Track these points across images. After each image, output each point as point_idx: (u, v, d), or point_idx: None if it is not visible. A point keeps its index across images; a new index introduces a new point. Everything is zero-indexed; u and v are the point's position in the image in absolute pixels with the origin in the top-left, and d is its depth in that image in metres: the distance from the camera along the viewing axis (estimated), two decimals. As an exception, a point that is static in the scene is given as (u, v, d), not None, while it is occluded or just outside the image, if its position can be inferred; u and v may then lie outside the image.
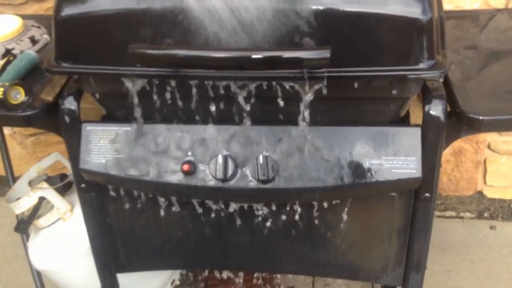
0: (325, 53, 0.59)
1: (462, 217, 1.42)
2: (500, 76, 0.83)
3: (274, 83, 0.66)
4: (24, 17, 0.97)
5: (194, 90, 0.69)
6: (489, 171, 1.31)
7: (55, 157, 1.05)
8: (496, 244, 1.34)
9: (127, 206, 0.85)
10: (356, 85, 0.65)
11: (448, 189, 1.36)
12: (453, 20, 0.98)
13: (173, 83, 0.69)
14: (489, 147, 1.28)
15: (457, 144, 1.26)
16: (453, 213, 1.42)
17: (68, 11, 0.66)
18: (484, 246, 1.33)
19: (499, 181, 1.33)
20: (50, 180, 1.02)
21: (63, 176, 1.03)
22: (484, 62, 0.87)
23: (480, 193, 1.37)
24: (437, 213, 1.42)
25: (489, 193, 1.36)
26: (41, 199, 0.99)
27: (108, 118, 0.80)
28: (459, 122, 0.69)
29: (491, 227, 1.39)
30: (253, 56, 0.60)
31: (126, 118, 0.78)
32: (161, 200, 0.82)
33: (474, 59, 0.88)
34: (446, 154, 1.28)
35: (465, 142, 1.26)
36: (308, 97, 0.67)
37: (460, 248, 1.32)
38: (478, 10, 1.01)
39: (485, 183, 1.34)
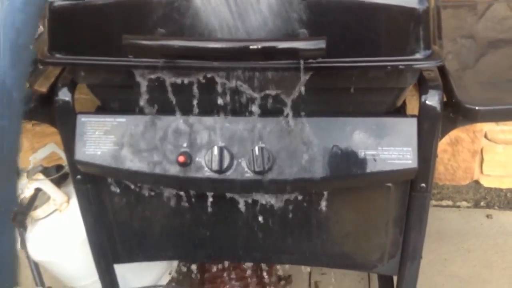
0: (321, 44, 0.59)
1: (458, 206, 1.42)
2: (497, 65, 0.82)
3: (269, 74, 0.66)
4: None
5: (189, 82, 0.68)
6: (485, 161, 1.32)
7: (51, 148, 1.05)
8: (492, 232, 1.35)
9: (123, 197, 0.85)
10: (352, 75, 0.65)
11: (445, 178, 1.36)
12: (450, 9, 0.97)
13: (167, 74, 0.68)
14: (485, 136, 1.28)
15: (454, 133, 1.26)
16: (450, 202, 1.42)
17: (61, 1, 0.66)
18: (480, 235, 1.34)
19: (496, 170, 1.33)
20: (46, 171, 1.02)
21: (59, 167, 1.03)
22: (482, 51, 0.86)
23: (476, 182, 1.37)
24: (433, 202, 1.42)
25: (486, 182, 1.37)
26: (37, 190, 0.99)
27: (103, 109, 0.80)
28: (455, 112, 0.69)
29: (487, 216, 1.39)
30: (249, 47, 0.59)
31: (121, 109, 0.77)
32: (157, 191, 0.82)
33: (472, 48, 0.87)
34: (443, 143, 1.28)
35: (462, 131, 1.26)
36: (304, 88, 0.66)
37: (456, 237, 1.33)
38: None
39: (481, 172, 1.35)
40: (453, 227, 1.36)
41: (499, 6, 0.97)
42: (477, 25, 0.95)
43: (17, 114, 0.71)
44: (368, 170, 0.71)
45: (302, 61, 0.62)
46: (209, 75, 0.67)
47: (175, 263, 1.19)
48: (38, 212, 1.00)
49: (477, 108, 0.67)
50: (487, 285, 1.21)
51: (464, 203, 1.42)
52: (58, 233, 1.00)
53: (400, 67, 0.64)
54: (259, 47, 0.60)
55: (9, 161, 0.72)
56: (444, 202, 1.42)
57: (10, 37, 0.66)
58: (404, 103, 0.79)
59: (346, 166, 0.71)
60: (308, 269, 1.23)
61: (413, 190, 0.76)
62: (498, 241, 1.32)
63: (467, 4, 0.98)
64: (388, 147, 0.71)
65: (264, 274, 1.13)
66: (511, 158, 1.30)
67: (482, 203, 1.41)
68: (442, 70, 0.73)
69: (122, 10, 0.65)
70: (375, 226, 0.83)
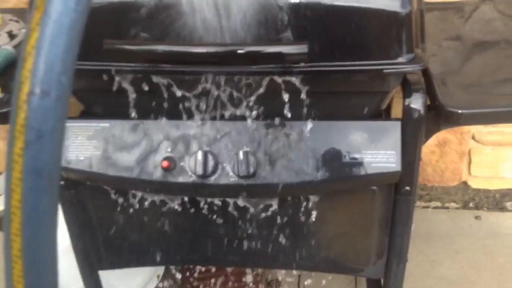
0: (303, 49, 0.58)
1: (447, 208, 1.43)
2: (483, 67, 0.82)
3: (252, 78, 0.65)
4: (2, 10, 0.95)
5: (171, 86, 0.68)
6: (473, 162, 1.32)
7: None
8: (481, 234, 1.35)
9: (107, 203, 0.84)
10: (334, 79, 0.65)
11: (433, 180, 1.36)
12: (437, 12, 0.97)
13: (150, 79, 0.68)
14: (473, 138, 1.28)
15: (441, 135, 1.26)
16: (438, 204, 1.43)
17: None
18: (469, 236, 1.34)
19: (484, 171, 1.34)
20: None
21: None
22: (468, 53, 0.86)
23: (465, 183, 1.38)
24: (422, 203, 1.43)
25: (474, 184, 1.37)
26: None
27: (87, 114, 0.79)
28: (438, 116, 0.69)
29: (476, 217, 1.40)
30: (230, 52, 0.59)
31: (104, 114, 0.76)
32: (142, 196, 0.81)
33: (458, 50, 0.88)
34: (431, 145, 1.28)
35: (449, 133, 1.26)
36: (288, 92, 0.66)
37: (445, 239, 1.33)
38: (463, 1, 1.00)
39: (469, 173, 1.35)
40: (442, 229, 1.37)
41: (486, 7, 0.97)
42: (464, 27, 0.95)
43: None
44: (352, 174, 0.71)
45: (283, 66, 0.62)
46: (192, 80, 0.67)
47: (162, 268, 1.18)
48: (22, 218, 0.99)
49: (459, 111, 0.67)
50: (475, 287, 1.21)
51: (453, 204, 1.42)
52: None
53: (384, 71, 0.63)
54: (242, 51, 0.60)
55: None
56: (433, 204, 1.43)
57: None
58: (389, 106, 0.78)
59: (330, 170, 0.71)
60: (298, 272, 1.23)
61: (398, 193, 0.76)
62: (487, 242, 1.32)
63: (454, 7, 0.98)
64: (372, 150, 0.71)
65: (252, 278, 1.13)
66: (499, 159, 1.31)
67: (470, 204, 1.41)
68: (426, 73, 0.73)
69: (104, 14, 0.64)
70: (360, 230, 0.83)
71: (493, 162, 1.31)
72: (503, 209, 1.40)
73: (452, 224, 1.38)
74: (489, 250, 1.30)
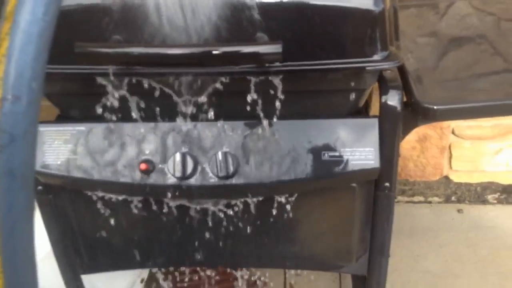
0: (277, 48, 0.58)
1: (430, 202, 1.44)
2: (459, 63, 0.83)
3: (228, 78, 0.65)
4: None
5: (147, 88, 0.67)
6: (454, 156, 1.34)
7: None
8: (463, 227, 1.37)
9: (86, 206, 0.83)
10: (309, 78, 0.65)
11: (415, 175, 1.38)
12: (413, 9, 0.98)
13: (124, 81, 0.67)
14: (453, 132, 1.29)
15: (421, 130, 1.27)
16: (422, 198, 1.44)
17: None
18: (451, 230, 1.36)
19: (464, 166, 1.36)
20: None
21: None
22: (444, 49, 0.87)
23: (446, 177, 1.39)
24: (405, 198, 1.44)
25: (455, 178, 1.39)
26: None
27: (63, 118, 0.78)
28: (415, 112, 0.69)
29: (458, 211, 1.41)
30: (201, 52, 0.58)
31: (80, 117, 0.75)
32: (121, 199, 0.80)
33: (435, 46, 0.88)
34: (411, 140, 1.29)
35: (429, 128, 1.27)
36: (264, 91, 0.66)
37: (428, 233, 1.35)
38: (438, -2, 1.01)
39: (450, 168, 1.37)
40: (425, 223, 1.38)
41: (461, 3, 0.98)
42: (439, 24, 0.96)
43: None
44: (331, 172, 0.71)
45: (257, 66, 0.62)
46: (166, 81, 0.66)
47: (146, 271, 1.17)
48: (2, 224, 0.97)
49: (435, 107, 0.67)
50: (459, 280, 1.23)
51: (436, 199, 1.43)
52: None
53: (358, 69, 0.64)
54: (217, 52, 0.59)
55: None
56: (416, 198, 1.44)
57: None
58: (367, 103, 0.79)
59: (309, 169, 0.71)
60: (283, 270, 1.23)
61: (378, 190, 0.76)
62: (469, 235, 1.34)
63: (429, 3, 0.99)
64: (350, 148, 0.71)
65: (238, 278, 1.13)
66: (479, 153, 1.33)
67: (453, 198, 1.43)
68: (402, 70, 0.73)
69: (75, 16, 0.63)
70: (342, 227, 0.83)
71: (473, 156, 1.33)
72: (484, 202, 1.42)
73: (435, 218, 1.40)
74: (472, 243, 1.32)
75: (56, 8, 0.33)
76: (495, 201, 1.42)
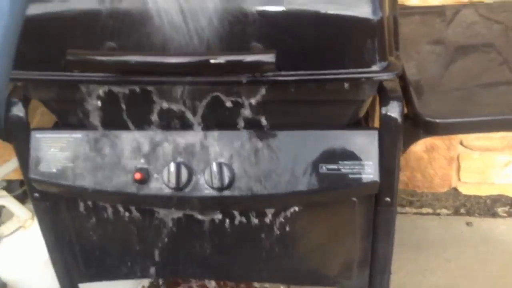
0: (270, 58, 0.57)
1: (438, 214, 1.41)
2: (464, 73, 0.80)
3: (224, 88, 0.64)
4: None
5: (142, 96, 0.66)
6: (462, 168, 1.30)
7: (14, 164, 1.02)
8: (472, 241, 1.32)
9: (83, 215, 0.82)
10: (306, 88, 0.63)
11: (423, 186, 1.34)
12: (418, 16, 0.96)
13: (119, 89, 0.66)
14: (461, 143, 1.26)
15: (429, 140, 1.24)
16: (430, 210, 1.40)
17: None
18: (460, 243, 1.32)
19: (473, 177, 1.32)
20: (9, 187, 0.99)
21: (23, 182, 1.00)
22: (449, 58, 0.84)
23: (455, 189, 1.36)
24: (413, 210, 1.41)
25: (464, 190, 1.35)
26: (1, 207, 0.97)
27: (59, 125, 0.78)
28: (416, 125, 0.67)
29: (467, 224, 1.37)
30: (195, 62, 0.57)
31: (77, 125, 0.75)
32: (117, 208, 0.80)
33: (441, 54, 0.86)
34: (419, 151, 1.26)
35: (437, 138, 1.24)
36: (260, 101, 0.65)
37: (437, 246, 1.31)
38: (444, 5, 0.99)
39: (459, 179, 1.33)
40: (433, 236, 1.34)
41: (467, 11, 0.96)
42: (445, 31, 0.93)
43: None
44: (329, 185, 0.69)
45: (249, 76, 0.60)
46: (161, 91, 0.65)
47: (146, 279, 1.16)
48: (2, 230, 0.97)
49: (437, 121, 0.65)
50: (467, 296, 1.19)
51: (444, 211, 1.40)
52: (23, 251, 0.97)
53: (356, 80, 0.62)
54: (215, 61, 0.58)
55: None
56: (424, 210, 1.40)
57: None
58: (367, 114, 0.77)
59: (306, 181, 0.69)
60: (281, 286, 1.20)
61: (378, 205, 0.74)
62: (479, 249, 1.30)
63: (435, 11, 0.97)
64: (349, 160, 0.69)
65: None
66: (488, 165, 1.29)
67: (462, 210, 1.39)
68: (403, 80, 0.71)
69: (68, 23, 0.63)
70: (342, 241, 0.81)
71: (482, 168, 1.29)
72: (494, 215, 1.38)
73: (444, 231, 1.36)
74: (482, 257, 1.28)
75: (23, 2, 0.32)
76: (505, 214, 1.38)
